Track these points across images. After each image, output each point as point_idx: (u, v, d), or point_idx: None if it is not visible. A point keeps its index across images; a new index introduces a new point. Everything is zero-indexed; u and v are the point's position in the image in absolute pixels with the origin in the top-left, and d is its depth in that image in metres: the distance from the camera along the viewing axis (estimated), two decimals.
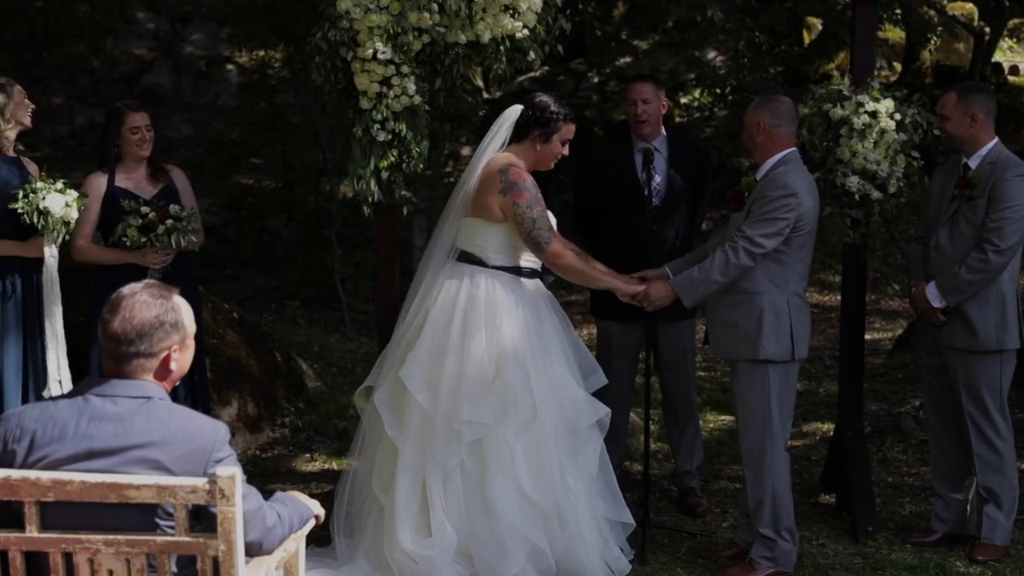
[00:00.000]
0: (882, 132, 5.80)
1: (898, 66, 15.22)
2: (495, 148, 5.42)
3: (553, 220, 5.44)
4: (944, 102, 5.69)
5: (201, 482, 3.16)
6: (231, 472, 3.15)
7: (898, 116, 5.81)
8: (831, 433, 7.43)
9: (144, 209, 5.89)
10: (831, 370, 8.95)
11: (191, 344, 3.47)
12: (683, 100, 15.23)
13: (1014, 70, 15.09)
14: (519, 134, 5.42)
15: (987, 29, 14.17)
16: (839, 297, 11.19)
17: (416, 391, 5.21)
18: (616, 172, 6.25)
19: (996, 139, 5.70)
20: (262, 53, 15.70)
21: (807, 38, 15.76)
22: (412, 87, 5.57)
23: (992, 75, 14.34)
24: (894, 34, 14.89)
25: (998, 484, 5.62)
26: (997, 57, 14.75)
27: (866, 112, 5.80)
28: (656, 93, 6.25)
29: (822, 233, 5.72)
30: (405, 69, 5.57)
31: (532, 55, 5.76)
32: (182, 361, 3.43)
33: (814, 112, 5.95)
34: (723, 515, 6.29)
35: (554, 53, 5.90)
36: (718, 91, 14.27)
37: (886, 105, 5.80)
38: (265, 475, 6.92)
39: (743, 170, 13.62)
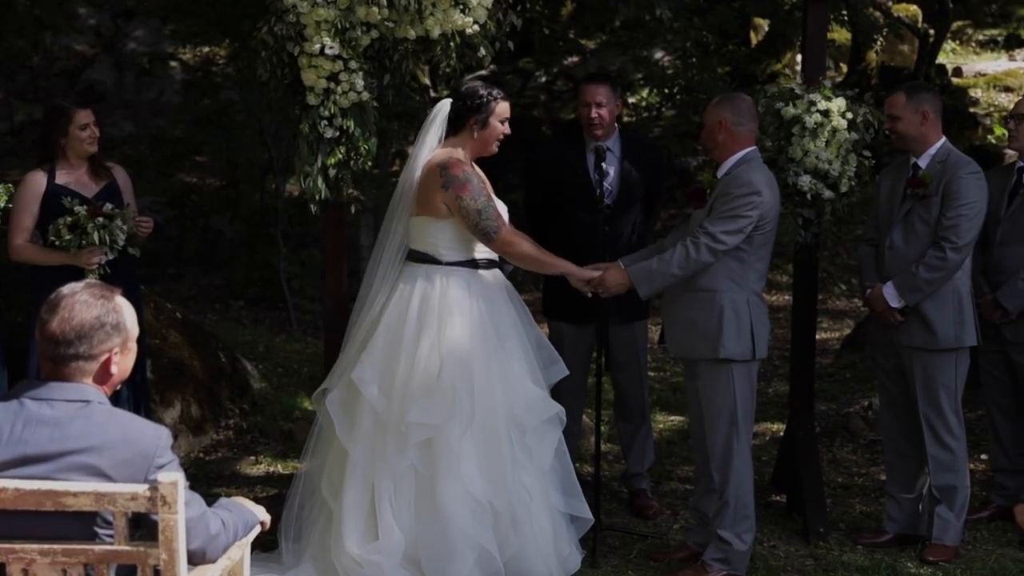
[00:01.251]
0: (834, 131, 5.77)
1: (844, 67, 15.31)
2: (432, 146, 5.35)
3: (503, 208, 5.36)
4: (893, 102, 5.67)
5: (142, 489, 3.05)
6: (173, 478, 3.04)
7: (850, 115, 5.79)
8: (781, 433, 7.43)
9: (78, 208, 5.73)
10: (780, 370, 8.96)
11: (133, 347, 3.35)
12: (631, 100, 15.22)
13: (957, 72, 15.24)
14: (455, 127, 5.35)
15: (931, 31, 14.27)
16: (786, 297, 11.27)
17: (369, 393, 5.13)
18: (568, 170, 6.18)
19: (944, 138, 5.70)
20: (206, 49, 15.54)
21: (754, 39, 15.81)
22: (360, 83, 5.47)
23: (936, 76, 14.45)
24: (840, 35, 14.98)
25: (951, 484, 5.61)
26: (940, 59, 14.87)
27: (818, 111, 5.77)
28: (611, 95, 6.14)
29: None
30: (353, 65, 5.46)
31: (483, 51, 5.68)
32: (123, 365, 3.31)
33: (766, 111, 5.91)
34: (674, 517, 6.25)
35: (505, 50, 5.83)
36: (666, 91, 14.31)
37: (838, 104, 5.78)
38: (209, 478, 6.79)
39: (693, 169, 13.77)
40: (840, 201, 5.84)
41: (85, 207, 5.74)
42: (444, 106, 5.38)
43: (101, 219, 5.73)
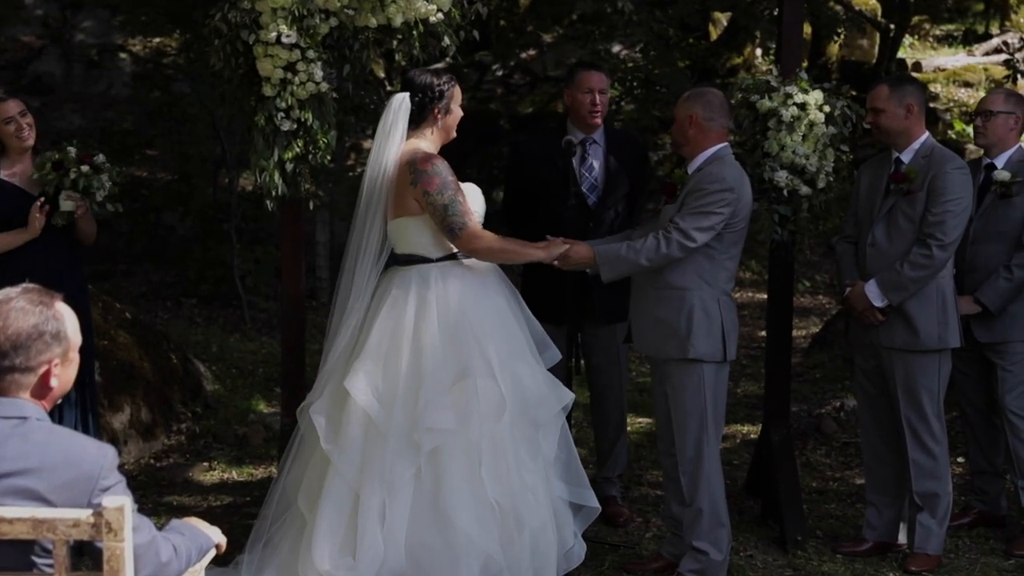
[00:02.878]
0: (811, 125, 5.57)
1: (804, 62, 15.17)
2: (398, 142, 5.10)
3: (475, 192, 5.14)
4: (876, 95, 5.48)
5: (84, 514, 2.78)
6: (119, 502, 2.77)
7: (827, 108, 5.59)
8: (752, 436, 7.26)
9: (70, 148, 5.61)
10: (748, 369, 8.77)
11: (75, 358, 3.07)
12: None
13: (916, 67, 15.17)
14: (417, 119, 5.11)
15: (892, 25, 14.19)
16: (751, 294, 11.14)
17: (364, 402, 4.85)
18: (550, 165, 5.95)
19: (927, 133, 5.52)
20: (157, 41, 15.22)
21: (713, 32, 15.69)
22: (319, 73, 5.26)
23: (897, 71, 14.36)
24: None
25: (933, 491, 5.42)
26: (899, 54, 14.80)
27: (795, 104, 5.56)
28: (607, 82, 6.02)
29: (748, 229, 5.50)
30: (311, 54, 5.25)
31: (447, 41, 5.47)
32: (64, 377, 3.03)
33: (741, 104, 5.71)
34: (645, 525, 6.03)
35: (470, 39, 5.61)
36: (626, 84, 14.14)
37: (815, 97, 5.58)
38: (159, 486, 6.51)
39: (653, 164, 13.58)
40: (817, 197, 5.63)
41: (75, 150, 5.61)
42: (402, 99, 5.14)
43: (87, 166, 5.59)
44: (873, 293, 5.37)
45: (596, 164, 6.00)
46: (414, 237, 5.03)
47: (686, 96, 5.33)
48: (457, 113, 5.18)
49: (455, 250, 5.04)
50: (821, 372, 8.28)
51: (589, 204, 5.95)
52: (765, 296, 10.95)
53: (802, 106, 5.57)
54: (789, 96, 5.58)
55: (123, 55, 15.86)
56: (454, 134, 5.22)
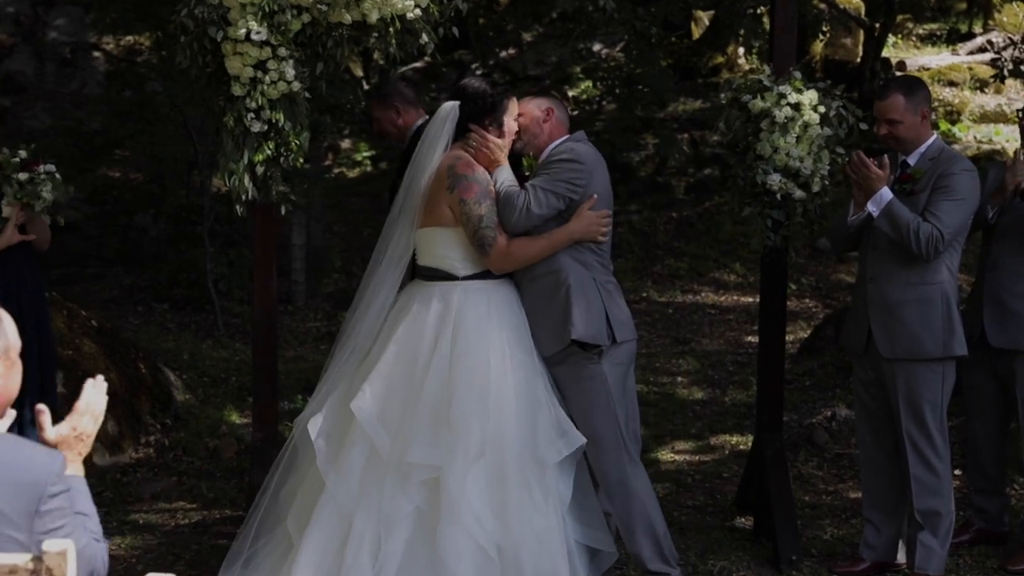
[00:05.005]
0: (805, 126, 5.34)
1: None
2: (440, 150, 4.87)
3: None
4: (891, 106, 5.21)
5: (23, 559, 2.52)
6: (61, 547, 2.51)
7: (822, 109, 5.37)
8: (742, 447, 7.03)
9: (22, 153, 5.48)
10: (735, 376, 8.53)
11: (16, 360, 2.89)
12: (571, 93, 14.82)
13: (901, 65, 15.02)
14: (464, 130, 4.88)
15: (877, 24, 14.04)
16: (736, 297, 10.90)
17: (370, 427, 4.59)
18: None
19: (935, 134, 5.31)
20: (131, 39, 14.97)
21: (695, 31, 15.50)
22: (291, 72, 5.04)
23: (882, 70, 14.21)
24: None
25: (935, 508, 5.17)
26: (883, 53, 14.65)
27: (788, 104, 5.34)
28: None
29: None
30: (283, 52, 5.03)
31: (425, 38, 5.23)
32: (8, 383, 2.86)
33: (731, 104, 5.48)
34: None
35: (449, 36, 5.37)
36: (608, 84, 13.93)
37: (809, 97, 5.35)
38: (125, 502, 6.25)
39: (635, 164, 13.36)
40: (812, 201, 5.40)
41: (22, 158, 5.47)
42: (452, 108, 4.92)
43: (27, 174, 5.43)
44: (876, 201, 5.10)
45: None
46: (441, 249, 4.79)
47: (532, 96, 5.14)
48: (511, 127, 4.93)
49: (483, 268, 4.79)
50: (811, 379, 8.04)
51: None
52: (750, 300, 10.89)
53: (796, 106, 5.34)
54: (782, 96, 5.35)
55: (97, 54, 15.64)
56: (506, 150, 4.95)
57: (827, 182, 5.40)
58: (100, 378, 3.12)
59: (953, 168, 5.12)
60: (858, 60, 14.36)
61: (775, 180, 5.33)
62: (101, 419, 3.05)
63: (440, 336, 4.67)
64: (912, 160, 5.26)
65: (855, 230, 5.29)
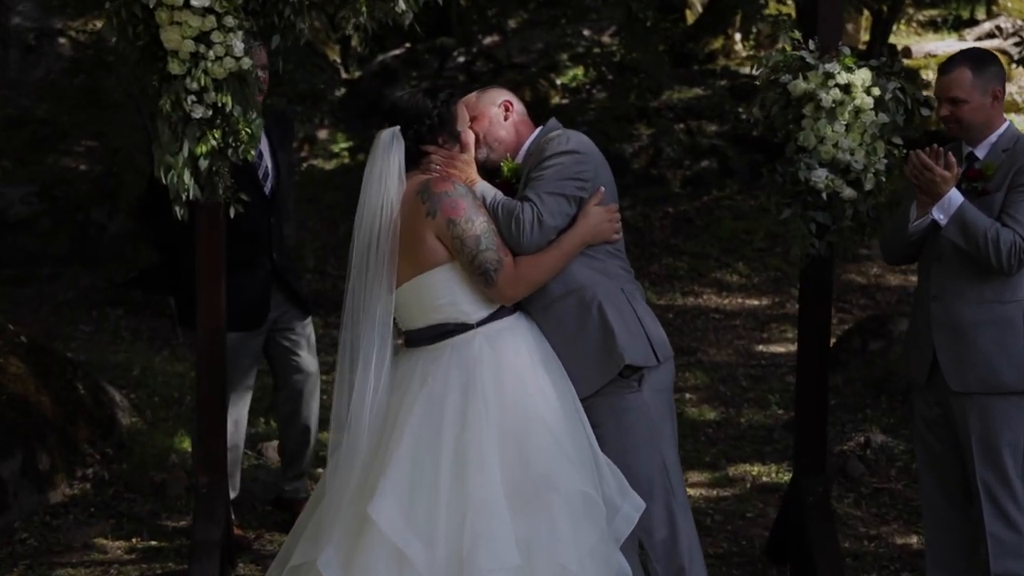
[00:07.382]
0: (857, 112, 4.53)
1: (788, 46, 14.26)
2: (395, 188, 3.86)
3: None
4: (956, 81, 4.32)
5: None
6: None
7: (876, 91, 4.53)
8: (764, 478, 6.19)
9: None
10: (749, 393, 7.64)
11: None
12: (559, 81, 14.04)
13: (906, 52, 14.51)
14: (416, 157, 3.95)
15: (885, 8, 13.39)
16: (740, 300, 10.04)
17: (397, 536, 3.62)
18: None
19: (1008, 121, 4.42)
20: (98, 25, 14.26)
21: (690, 16, 14.79)
22: (239, 46, 4.25)
23: (889, 56, 13.51)
24: (788, 11, 13.98)
25: (1016, 572, 4.30)
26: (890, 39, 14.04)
27: (837, 85, 4.51)
28: None
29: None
30: (229, 22, 4.25)
31: (402, 6, 4.41)
32: None
33: (767, 85, 4.63)
34: None
35: (431, 5, 4.53)
36: (599, 71, 13.21)
37: (862, 76, 4.53)
38: (52, 552, 5.34)
39: (628, 155, 12.55)
40: (864, 202, 4.56)
41: None
42: (393, 134, 3.92)
43: None
44: (944, 207, 4.24)
45: (264, 150, 5.37)
46: (442, 297, 3.87)
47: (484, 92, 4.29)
48: (469, 137, 4.04)
49: (496, 304, 3.92)
50: (836, 398, 7.13)
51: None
52: (755, 303, 10.05)
53: (846, 88, 4.51)
54: (829, 76, 4.53)
55: (62, 40, 14.96)
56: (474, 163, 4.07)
57: (882, 178, 4.55)
58: None
59: None
60: (861, 46, 13.67)
61: (820, 176, 4.51)
62: None
63: (471, 405, 3.74)
64: (981, 152, 4.39)
65: (918, 237, 4.41)
